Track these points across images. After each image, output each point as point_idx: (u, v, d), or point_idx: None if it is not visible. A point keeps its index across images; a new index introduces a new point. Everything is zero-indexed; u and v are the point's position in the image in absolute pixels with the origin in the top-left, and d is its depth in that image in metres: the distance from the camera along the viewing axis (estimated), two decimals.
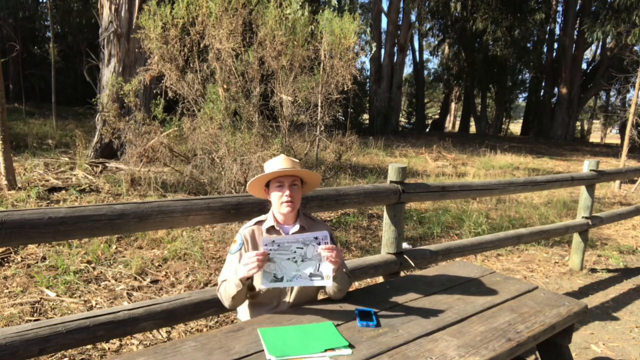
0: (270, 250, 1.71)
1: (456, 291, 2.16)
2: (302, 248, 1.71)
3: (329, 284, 1.74)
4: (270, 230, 1.92)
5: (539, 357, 2.31)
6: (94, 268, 3.61)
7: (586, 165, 4.42)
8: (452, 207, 6.39)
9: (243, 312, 1.99)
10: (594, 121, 32.31)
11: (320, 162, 5.91)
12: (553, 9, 22.31)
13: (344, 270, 1.93)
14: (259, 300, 1.92)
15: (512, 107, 29.42)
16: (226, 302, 1.82)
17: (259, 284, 1.69)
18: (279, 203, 1.88)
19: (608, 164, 13.13)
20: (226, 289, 1.78)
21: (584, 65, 23.96)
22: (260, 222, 1.95)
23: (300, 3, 4.58)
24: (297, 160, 1.97)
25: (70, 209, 1.72)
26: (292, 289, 1.91)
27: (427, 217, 5.86)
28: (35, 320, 2.79)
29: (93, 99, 6.23)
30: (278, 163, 1.90)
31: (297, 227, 1.94)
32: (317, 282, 1.72)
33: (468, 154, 13.09)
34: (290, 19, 4.56)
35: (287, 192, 1.86)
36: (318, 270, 1.68)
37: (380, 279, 3.15)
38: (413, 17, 21.13)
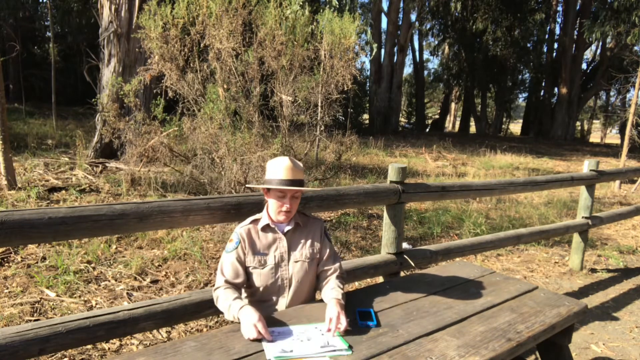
0: (272, 332, 1.63)
1: (456, 291, 2.17)
2: (303, 333, 1.64)
3: (348, 352, 1.56)
4: (266, 228, 1.94)
5: (539, 357, 2.31)
6: (94, 268, 3.61)
7: (586, 165, 4.42)
8: (452, 207, 6.39)
9: None
10: (594, 121, 32.29)
11: (320, 162, 5.91)
12: (553, 9, 22.31)
13: (337, 267, 2.02)
14: (257, 297, 1.93)
15: (512, 107, 29.39)
16: (220, 308, 1.82)
17: (267, 355, 1.55)
18: (277, 211, 1.90)
19: (608, 164, 13.13)
20: (224, 307, 1.76)
21: (584, 65, 23.96)
22: (255, 221, 1.95)
23: (300, 3, 4.58)
24: (301, 166, 1.96)
25: (70, 209, 1.72)
26: (289, 287, 1.93)
27: (427, 217, 5.86)
28: (35, 320, 2.79)
29: (93, 99, 6.22)
30: (284, 172, 1.85)
31: (292, 225, 1.96)
32: (332, 354, 1.54)
33: (468, 154, 13.09)
34: (290, 19, 4.56)
35: (287, 206, 1.87)
36: (328, 345, 1.57)
37: (380, 279, 3.15)
38: (413, 17, 21.13)
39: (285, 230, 1.94)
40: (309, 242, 1.98)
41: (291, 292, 1.92)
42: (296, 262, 1.93)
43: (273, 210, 1.91)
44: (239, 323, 1.67)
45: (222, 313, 1.84)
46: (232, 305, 1.71)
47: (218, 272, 1.89)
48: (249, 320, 1.61)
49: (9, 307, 2.94)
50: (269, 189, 1.91)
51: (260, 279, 1.89)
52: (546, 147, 17.73)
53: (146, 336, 2.76)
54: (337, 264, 2.04)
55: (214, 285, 1.90)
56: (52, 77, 12.07)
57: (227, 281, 1.85)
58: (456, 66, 24.37)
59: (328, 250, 2.03)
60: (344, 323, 1.66)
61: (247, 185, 1.93)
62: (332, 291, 1.88)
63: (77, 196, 5.18)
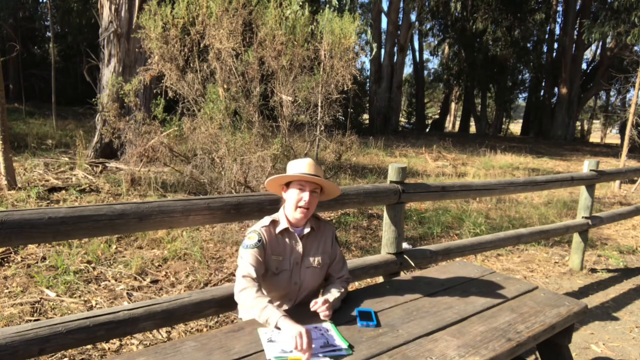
0: (273, 332, 1.63)
1: (456, 291, 2.16)
2: None
3: (348, 352, 1.56)
4: (284, 232, 1.92)
5: (539, 357, 2.32)
6: (94, 268, 3.61)
7: (586, 165, 4.42)
8: (452, 207, 6.38)
9: (244, 311, 2.00)
10: (594, 121, 32.29)
11: (320, 162, 5.91)
12: (553, 9, 22.31)
13: (343, 277, 2.03)
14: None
15: (512, 107, 29.38)
16: (240, 301, 1.75)
17: (267, 354, 1.54)
18: (295, 206, 1.87)
19: (608, 164, 13.13)
20: (253, 306, 1.68)
21: (584, 65, 23.97)
22: (274, 223, 1.92)
23: (300, 3, 4.58)
24: (321, 168, 1.97)
25: (70, 209, 1.72)
26: (298, 291, 1.93)
27: (427, 217, 5.86)
28: (35, 320, 2.78)
29: (93, 99, 6.23)
30: (305, 166, 1.88)
31: (308, 229, 1.94)
32: (332, 354, 1.54)
33: (468, 154, 13.09)
34: (290, 19, 4.56)
35: (307, 198, 1.84)
36: (328, 344, 1.57)
37: (380, 279, 3.15)
38: (413, 17, 21.12)
39: (302, 234, 1.93)
40: (321, 248, 1.98)
41: (300, 297, 1.94)
42: (308, 268, 1.93)
43: (291, 206, 1.88)
44: (262, 323, 1.67)
45: (226, 312, 1.83)
46: (268, 309, 1.64)
47: (243, 262, 1.80)
48: (295, 329, 1.53)
49: (9, 307, 2.94)
50: (288, 185, 1.91)
51: (272, 282, 1.88)
52: (546, 147, 17.74)
53: (146, 336, 2.76)
54: (344, 271, 2.06)
55: (214, 285, 1.89)
56: (52, 77, 12.08)
57: (256, 276, 1.77)
58: (456, 66, 24.37)
59: (337, 256, 2.04)
60: (321, 308, 1.75)
61: (270, 178, 1.89)
62: (328, 294, 1.90)
63: (77, 196, 5.18)
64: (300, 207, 1.86)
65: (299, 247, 1.92)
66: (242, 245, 1.84)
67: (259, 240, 1.83)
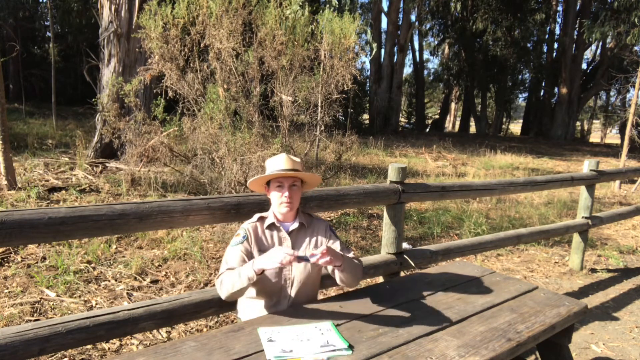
0: (273, 332, 1.64)
1: (456, 291, 2.17)
2: (303, 333, 1.64)
3: (348, 352, 1.55)
4: (271, 227, 1.95)
5: (539, 357, 2.32)
6: (94, 268, 3.61)
7: (586, 165, 4.42)
8: (452, 207, 6.38)
9: (243, 309, 2.00)
10: (594, 121, 32.29)
11: (320, 162, 5.91)
12: (553, 9, 22.31)
13: (350, 256, 1.93)
14: (259, 297, 1.92)
15: (512, 107, 29.38)
16: (225, 294, 1.76)
17: (267, 354, 1.53)
18: (278, 203, 1.91)
19: (608, 164, 13.13)
20: (232, 280, 1.72)
21: (584, 65, 23.97)
22: (261, 219, 1.97)
23: (300, 3, 4.58)
24: (299, 160, 1.98)
25: (70, 209, 1.72)
26: (292, 287, 1.92)
27: (427, 217, 5.86)
28: (35, 320, 2.79)
29: (93, 99, 6.22)
30: (279, 163, 1.91)
31: (296, 224, 1.96)
32: (332, 354, 1.52)
33: (468, 154, 13.09)
34: (291, 19, 4.56)
35: (287, 194, 1.89)
36: (328, 344, 1.56)
37: (380, 279, 3.15)
38: (413, 17, 21.11)
39: (290, 229, 1.95)
40: (313, 241, 1.99)
41: (293, 293, 1.92)
42: (299, 263, 1.93)
43: (275, 204, 1.93)
44: (246, 286, 1.70)
45: (225, 312, 1.82)
46: (243, 271, 1.70)
47: (222, 263, 1.87)
48: (274, 251, 1.64)
49: (9, 307, 2.94)
50: (269, 185, 1.95)
51: (263, 278, 1.88)
52: (546, 147, 17.73)
53: (146, 336, 2.76)
54: (351, 254, 2.00)
55: (214, 285, 1.90)
56: (52, 77, 12.08)
57: (230, 268, 1.80)
58: (456, 66, 24.36)
59: (339, 245, 1.98)
60: (333, 255, 1.69)
61: (249, 182, 1.91)
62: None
63: (77, 196, 5.18)
64: (283, 202, 1.90)
65: (287, 242, 1.94)
66: (230, 244, 1.90)
67: (244, 236, 1.88)
